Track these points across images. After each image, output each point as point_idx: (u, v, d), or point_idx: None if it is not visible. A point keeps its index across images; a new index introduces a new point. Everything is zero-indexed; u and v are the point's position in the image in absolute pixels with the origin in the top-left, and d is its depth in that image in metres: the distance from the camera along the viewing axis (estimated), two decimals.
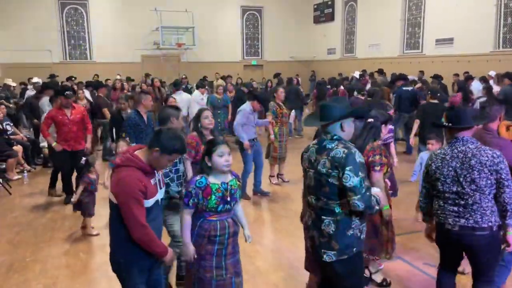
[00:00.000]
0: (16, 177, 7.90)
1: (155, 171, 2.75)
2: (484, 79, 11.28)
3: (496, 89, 9.97)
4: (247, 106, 6.46)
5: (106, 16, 20.80)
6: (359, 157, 2.67)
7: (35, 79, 10.87)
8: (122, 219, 2.61)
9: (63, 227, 5.71)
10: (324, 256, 2.76)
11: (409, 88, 10.30)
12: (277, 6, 23.55)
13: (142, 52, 21.55)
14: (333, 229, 2.71)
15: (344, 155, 2.63)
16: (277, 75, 16.64)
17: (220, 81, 15.70)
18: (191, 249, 3.00)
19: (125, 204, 2.56)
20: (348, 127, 2.79)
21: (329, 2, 22.41)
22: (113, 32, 20.68)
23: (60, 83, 12.52)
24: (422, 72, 14.76)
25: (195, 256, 3.01)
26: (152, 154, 2.65)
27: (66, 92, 6.29)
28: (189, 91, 12.32)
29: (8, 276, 4.40)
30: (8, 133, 8.32)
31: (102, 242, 5.22)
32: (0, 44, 18.73)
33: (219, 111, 9.68)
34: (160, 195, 2.79)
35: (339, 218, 2.70)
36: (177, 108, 4.13)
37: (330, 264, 2.76)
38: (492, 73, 11.93)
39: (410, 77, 12.53)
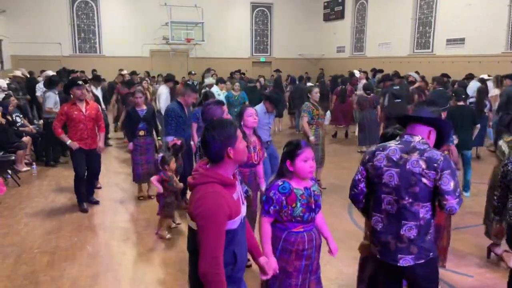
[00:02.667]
0: (25, 168, 7.94)
1: (237, 184, 2.32)
2: (481, 80, 11.15)
3: (495, 91, 9.88)
4: (260, 107, 6.07)
5: (116, 10, 20.84)
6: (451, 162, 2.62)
7: (49, 72, 10.82)
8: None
9: (71, 220, 5.73)
10: (401, 261, 2.63)
11: (397, 88, 10.41)
12: (287, 3, 23.48)
13: (151, 46, 21.59)
14: (415, 234, 2.59)
15: (442, 158, 2.54)
16: (277, 71, 16.64)
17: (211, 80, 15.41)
18: (274, 263, 2.68)
19: (203, 229, 2.11)
20: (433, 137, 2.71)
21: (339, 0, 22.28)
22: (122, 26, 20.73)
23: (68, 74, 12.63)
24: (417, 72, 14.56)
25: (277, 273, 2.70)
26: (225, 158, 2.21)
27: (78, 81, 5.89)
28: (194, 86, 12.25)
29: (16, 267, 4.42)
30: (18, 124, 8.36)
31: (109, 235, 5.26)
32: (12, 37, 18.84)
33: (236, 109, 9.15)
34: (244, 211, 2.35)
35: (422, 223, 2.59)
36: (221, 107, 3.98)
37: (407, 268, 2.64)
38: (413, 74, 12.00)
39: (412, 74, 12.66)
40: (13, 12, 18.99)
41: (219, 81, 10.28)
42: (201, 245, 2.10)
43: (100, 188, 6.92)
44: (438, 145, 2.76)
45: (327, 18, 23.55)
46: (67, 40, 20.46)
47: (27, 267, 4.42)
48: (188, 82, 13.02)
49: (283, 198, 2.68)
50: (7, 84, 10.18)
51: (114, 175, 7.82)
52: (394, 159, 2.65)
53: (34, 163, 8.19)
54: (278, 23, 23.70)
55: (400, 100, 6.75)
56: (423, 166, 2.55)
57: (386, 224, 2.68)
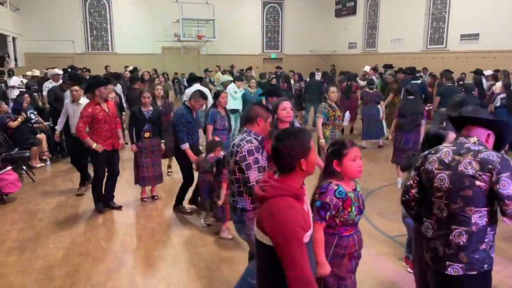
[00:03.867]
0: (39, 165, 8.04)
1: (305, 195, 2.18)
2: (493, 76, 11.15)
3: (498, 85, 9.87)
4: None
5: (128, 8, 20.97)
6: None
7: (55, 70, 10.83)
8: (277, 265, 2.00)
9: (85, 215, 5.79)
10: (449, 268, 2.47)
11: (418, 81, 10.77)
12: None
13: (162, 44, 21.70)
14: (464, 241, 2.43)
15: (499, 159, 2.36)
16: (278, 68, 16.50)
17: (219, 75, 15.37)
18: (328, 269, 2.63)
19: (285, 247, 1.94)
20: (492, 140, 2.57)
21: None
22: (134, 23, 20.86)
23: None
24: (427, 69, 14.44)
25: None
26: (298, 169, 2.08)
27: (105, 79, 5.74)
28: (207, 84, 12.23)
29: (31, 262, 4.47)
30: (32, 121, 8.46)
31: (122, 231, 5.30)
32: (25, 34, 19.07)
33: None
34: (312, 224, 2.22)
35: (474, 229, 2.41)
36: (267, 109, 3.48)
37: (456, 278, 2.47)
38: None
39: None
40: (26, 10, 19.21)
41: (237, 78, 10.19)
42: (287, 264, 1.94)
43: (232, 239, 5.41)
44: (497, 148, 2.58)
45: (338, 14, 23.41)
46: (80, 38, 20.65)
47: (42, 262, 4.48)
48: (205, 79, 13.06)
49: (340, 203, 2.57)
50: (25, 82, 10.31)
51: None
52: (446, 161, 2.50)
53: (48, 159, 8.27)
54: (289, 19, 23.63)
55: (413, 97, 6.65)
56: (477, 168, 2.38)
57: (436, 230, 2.55)
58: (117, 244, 4.93)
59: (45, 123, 8.96)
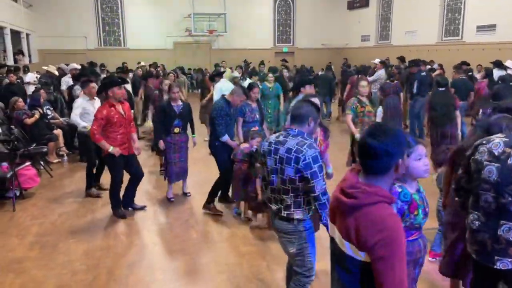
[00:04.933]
0: (56, 160, 8.10)
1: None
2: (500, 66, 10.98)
3: None
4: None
5: (140, 3, 20.99)
6: None
7: (74, 65, 10.87)
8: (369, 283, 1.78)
9: (103, 210, 5.81)
10: (497, 263, 2.41)
11: (424, 74, 10.73)
12: None
13: (174, 39, 21.69)
14: None
15: None
16: (283, 61, 16.14)
17: (228, 72, 15.26)
18: None
19: (385, 261, 1.71)
20: None
21: None
22: (146, 19, 20.89)
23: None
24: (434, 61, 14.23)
25: None
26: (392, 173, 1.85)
27: (121, 79, 5.47)
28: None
29: (53, 256, 4.50)
30: (48, 117, 8.51)
31: (142, 225, 5.30)
32: (38, 31, 19.20)
33: (270, 101, 8.90)
34: None
35: None
36: (317, 108, 3.07)
37: (506, 272, 2.42)
38: (510, 63, 11.53)
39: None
40: (39, 7, 19.34)
41: (253, 73, 10.11)
42: (386, 279, 1.71)
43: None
44: None
45: (351, 6, 23.17)
46: (92, 34, 20.75)
47: (63, 256, 4.50)
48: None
49: (405, 206, 2.37)
50: (39, 78, 10.36)
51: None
52: (496, 153, 2.40)
53: (65, 155, 8.33)
54: (301, 12, 23.45)
55: (444, 89, 6.49)
56: None
57: (484, 222, 2.47)
58: (137, 239, 4.94)
59: (61, 119, 9.01)
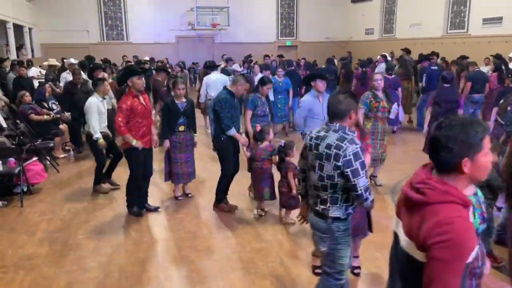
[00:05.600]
0: (62, 155, 8.04)
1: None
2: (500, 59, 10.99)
3: None
4: (308, 95, 5.36)
5: None
6: None
7: (72, 60, 10.75)
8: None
9: (112, 206, 5.75)
10: None
11: (435, 68, 10.75)
12: None
13: (177, 33, 21.56)
14: None
15: None
16: (280, 57, 15.98)
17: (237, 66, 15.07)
18: None
19: (443, 264, 1.57)
20: None
21: None
22: (148, 12, 20.76)
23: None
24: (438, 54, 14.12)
25: None
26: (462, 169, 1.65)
27: (141, 67, 5.42)
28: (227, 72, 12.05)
29: (63, 253, 4.45)
30: (54, 112, 8.43)
31: (151, 222, 5.24)
32: (40, 25, 19.08)
33: (279, 96, 8.80)
34: None
35: None
36: (356, 100, 2.87)
37: None
38: None
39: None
40: (41, 1, 19.21)
41: (263, 67, 9.97)
42: (435, 285, 1.58)
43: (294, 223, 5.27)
44: None
45: None
46: (95, 28, 20.62)
47: (74, 253, 4.45)
48: (225, 67, 12.87)
49: None
50: (45, 75, 10.26)
51: None
52: None
53: (72, 150, 8.27)
54: (304, 5, 23.26)
55: (449, 85, 6.38)
56: None
57: None
58: (147, 235, 4.88)
59: (66, 114, 8.93)
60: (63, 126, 8.28)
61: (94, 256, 4.37)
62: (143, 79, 5.00)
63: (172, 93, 6.50)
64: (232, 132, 5.17)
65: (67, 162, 7.84)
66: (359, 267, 3.91)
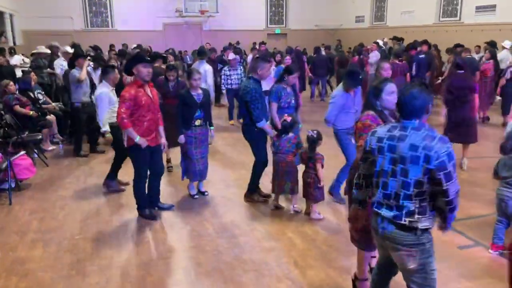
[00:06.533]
0: (51, 147, 7.64)
1: None
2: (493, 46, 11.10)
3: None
4: (339, 89, 4.99)
5: None
6: None
7: (67, 48, 10.04)
8: None
9: (108, 202, 5.42)
10: None
11: (423, 56, 10.65)
12: None
13: (164, 20, 20.99)
14: None
15: None
16: (262, 44, 15.49)
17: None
18: None
19: None
20: None
21: None
22: None
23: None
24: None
25: None
26: None
27: (153, 54, 4.97)
28: (225, 62, 11.65)
29: (58, 255, 4.12)
30: (40, 101, 7.98)
31: (154, 220, 4.90)
32: (22, 11, 18.32)
33: None
34: None
35: None
36: (426, 86, 2.56)
37: None
38: (507, 43, 11.58)
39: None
40: None
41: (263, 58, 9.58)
42: None
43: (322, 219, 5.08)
44: None
45: None
46: (79, 14, 19.93)
47: (71, 256, 4.12)
48: (222, 57, 12.46)
49: None
50: (31, 62, 9.72)
51: None
52: None
53: (61, 142, 7.86)
54: None
55: (463, 72, 6.18)
56: None
57: None
58: (149, 235, 4.56)
59: (53, 104, 8.49)
60: (50, 117, 7.85)
61: (94, 259, 4.05)
62: (150, 68, 4.57)
63: (170, 84, 6.14)
64: (263, 123, 4.92)
65: (57, 155, 7.45)
66: None
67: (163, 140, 4.85)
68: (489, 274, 3.72)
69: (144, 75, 4.48)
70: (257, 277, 3.71)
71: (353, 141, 4.67)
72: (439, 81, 11.35)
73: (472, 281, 3.60)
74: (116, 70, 5.95)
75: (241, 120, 9.34)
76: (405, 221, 2.36)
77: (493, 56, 10.29)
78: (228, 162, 7.06)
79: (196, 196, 5.49)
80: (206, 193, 5.59)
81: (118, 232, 4.61)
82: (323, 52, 14.32)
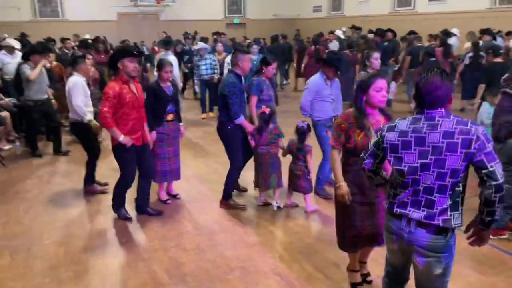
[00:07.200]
0: (7, 147, 7.16)
1: None
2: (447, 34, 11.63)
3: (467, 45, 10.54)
4: (317, 76, 4.94)
5: None
6: None
7: (11, 41, 9.31)
8: None
9: (76, 203, 5.13)
10: None
11: (387, 44, 10.84)
12: None
13: (118, 9, 20.23)
14: None
15: None
16: (220, 34, 15.36)
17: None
18: None
19: None
20: None
21: None
22: None
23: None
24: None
25: None
26: None
27: (133, 50, 4.50)
28: (191, 53, 11.36)
29: (29, 263, 3.85)
30: None
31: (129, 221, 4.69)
32: None
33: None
34: None
35: None
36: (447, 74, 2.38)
37: None
38: (455, 30, 12.20)
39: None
40: None
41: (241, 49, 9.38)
42: None
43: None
44: None
45: None
46: (26, 4, 18.84)
47: (42, 262, 3.86)
48: (184, 47, 12.15)
49: None
50: None
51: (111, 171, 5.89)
52: None
53: (17, 140, 7.39)
54: None
55: (436, 59, 6.34)
56: None
57: None
58: (124, 236, 4.35)
59: (6, 99, 7.95)
60: (4, 114, 7.34)
61: (68, 264, 3.81)
62: (137, 62, 4.24)
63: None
64: (241, 120, 4.67)
65: (14, 155, 6.99)
66: (369, 274, 3.47)
67: (149, 138, 4.60)
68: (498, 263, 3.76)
69: (130, 70, 4.15)
70: (244, 274, 3.62)
71: (329, 134, 4.58)
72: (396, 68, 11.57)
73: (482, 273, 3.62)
74: (87, 61, 5.60)
75: (210, 114, 9.27)
76: (438, 220, 2.19)
77: (443, 43, 10.63)
78: (199, 155, 6.90)
79: (169, 201, 5.11)
80: (178, 196, 5.23)
81: (91, 235, 4.37)
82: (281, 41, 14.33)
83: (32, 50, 6.92)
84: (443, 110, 2.22)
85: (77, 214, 4.84)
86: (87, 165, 5.33)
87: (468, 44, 10.78)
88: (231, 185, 4.92)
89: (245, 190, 5.30)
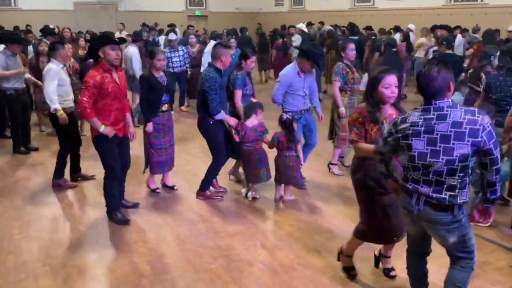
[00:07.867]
0: None
1: None
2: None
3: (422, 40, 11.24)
4: (291, 68, 4.93)
5: None
6: None
7: None
8: None
9: (47, 196, 4.94)
10: None
11: (356, 37, 11.14)
12: None
13: None
14: None
15: None
16: (171, 25, 15.16)
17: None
18: None
19: None
20: None
21: None
22: None
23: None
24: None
25: None
26: None
27: (117, 38, 4.30)
28: (156, 44, 11.12)
29: (2, 260, 3.67)
30: None
31: (99, 208, 4.53)
32: None
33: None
34: None
35: None
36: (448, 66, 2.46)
37: None
38: (412, 26, 12.62)
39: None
40: None
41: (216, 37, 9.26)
42: None
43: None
44: None
45: None
46: None
47: (15, 258, 3.70)
48: (149, 40, 11.86)
49: None
50: None
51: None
52: None
53: None
54: None
55: (396, 50, 6.62)
56: None
57: None
58: (100, 228, 4.25)
59: None
60: None
61: (43, 259, 3.68)
62: (119, 50, 4.06)
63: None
64: (221, 115, 4.58)
65: None
66: (393, 269, 3.43)
67: (132, 130, 4.45)
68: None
69: (112, 58, 3.96)
70: (228, 263, 3.62)
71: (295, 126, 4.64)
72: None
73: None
74: (66, 46, 5.38)
75: (183, 108, 9.11)
76: (445, 195, 2.36)
77: (406, 38, 11.08)
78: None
79: (158, 190, 5.06)
80: (175, 188, 5.13)
81: (64, 227, 4.24)
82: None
83: (10, 38, 6.31)
84: (450, 100, 2.35)
85: (48, 208, 4.66)
86: (58, 157, 5.14)
87: (422, 40, 11.31)
88: (211, 179, 4.88)
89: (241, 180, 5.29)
